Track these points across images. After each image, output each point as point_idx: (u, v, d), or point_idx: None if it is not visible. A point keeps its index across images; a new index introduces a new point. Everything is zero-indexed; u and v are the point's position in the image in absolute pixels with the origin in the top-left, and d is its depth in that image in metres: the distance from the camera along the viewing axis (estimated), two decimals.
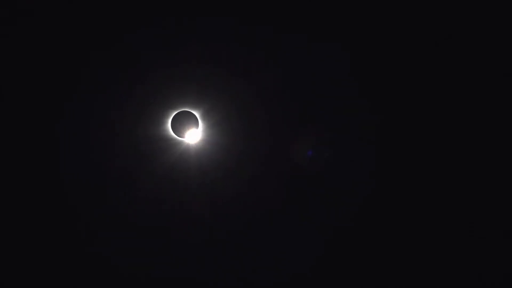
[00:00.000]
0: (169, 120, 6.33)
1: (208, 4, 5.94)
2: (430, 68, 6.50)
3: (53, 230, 6.27)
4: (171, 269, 6.54)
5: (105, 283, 6.46)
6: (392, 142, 6.66)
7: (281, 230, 6.64)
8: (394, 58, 6.52)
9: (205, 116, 6.39)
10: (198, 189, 6.47)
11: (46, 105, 5.97)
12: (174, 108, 6.31)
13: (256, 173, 6.57)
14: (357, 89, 6.57)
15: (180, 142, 6.42)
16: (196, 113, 6.37)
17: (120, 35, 5.85)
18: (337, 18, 6.37)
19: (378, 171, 6.73)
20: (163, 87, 6.20)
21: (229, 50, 6.23)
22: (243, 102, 6.39)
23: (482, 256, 6.64)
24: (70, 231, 6.29)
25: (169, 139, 6.39)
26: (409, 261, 6.72)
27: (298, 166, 6.61)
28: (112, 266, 6.39)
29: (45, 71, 5.84)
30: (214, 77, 6.29)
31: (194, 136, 6.42)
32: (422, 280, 6.77)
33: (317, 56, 6.46)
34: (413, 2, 6.17)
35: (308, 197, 6.64)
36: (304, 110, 6.55)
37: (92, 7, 5.62)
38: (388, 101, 6.64)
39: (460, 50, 6.42)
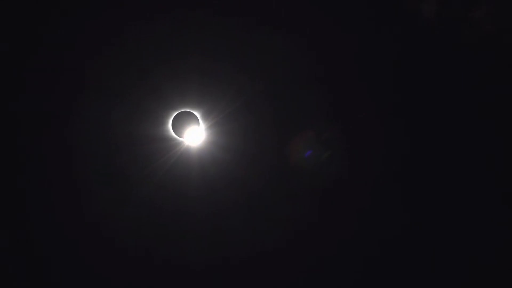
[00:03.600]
0: (170, 121, 6.44)
1: (209, 3, 6.13)
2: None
3: (46, 230, 6.31)
4: (169, 275, 6.54)
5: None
6: None
7: (283, 232, 6.67)
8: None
9: (205, 117, 6.50)
10: (198, 189, 6.52)
11: (47, 105, 6.10)
12: (175, 109, 6.44)
13: (257, 173, 6.63)
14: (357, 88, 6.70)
15: (180, 143, 6.52)
16: (196, 114, 6.49)
17: (120, 34, 6.02)
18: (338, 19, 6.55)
19: None
20: (164, 87, 6.35)
21: (230, 49, 6.38)
22: (243, 102, 6.51)
23: None
24: (65, 232, 6.32)
25: (169, 140, 6.49)
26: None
27: (301, 166, 6.69)
28: (108, 270, 6.39)
29: (45, 71, 5.99)
30: (215, 77, 6.43)
31: (194, 136, 6.52)
32: None
33: (318, 57, 6.60)
34: None
35: (312, 197, 6.73)
36: (307, 109, 6.66)
37: (91, 5, 5.80)
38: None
39: None
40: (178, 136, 6.48)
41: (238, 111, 6.50)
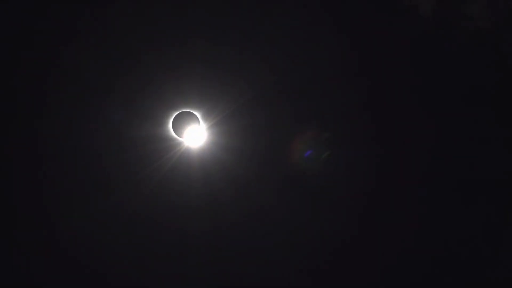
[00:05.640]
0: (170, 121, 6.17)
1: (209, 3, 6.09)
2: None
3: (43, 232, 5.90)
4: (169, 278, 5.83)
5: None
6: None
7: (284, 233, 5.90)
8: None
9: (206, 117, 6.18)
10: (199, 189, 6.03)
11: (49, 104, 6.05)
12: (175, 109, 6.18)
13: (257, 173, 6.09)
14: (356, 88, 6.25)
15: (181, 143, 6.18)
16: (197, 114, 6.19)
17: (120, 34, 6.03)
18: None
19: None
20: (164, 87, 6.17)
21: (230, 49, 6.21)
22: (244, 102, 6.18)
23: None
24: (62, 234, 5.89)
25: (170, 140, 6.16)
26: None
27: (300, 166, 6.10)
28: (103, 275, 5.80)
29: (47, 70, 6.02)
30: (215, 77, 6.20)
31: (195, 136, 6.17)
32: None
33: (319, 56, 6.29)
34: None
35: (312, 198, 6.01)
36: (308, 109, 6.22)
37: (93, 6, 5.91)
38: None
39: None
40: (178, 136, 6.16)
41: (242, 109, 6.13)
